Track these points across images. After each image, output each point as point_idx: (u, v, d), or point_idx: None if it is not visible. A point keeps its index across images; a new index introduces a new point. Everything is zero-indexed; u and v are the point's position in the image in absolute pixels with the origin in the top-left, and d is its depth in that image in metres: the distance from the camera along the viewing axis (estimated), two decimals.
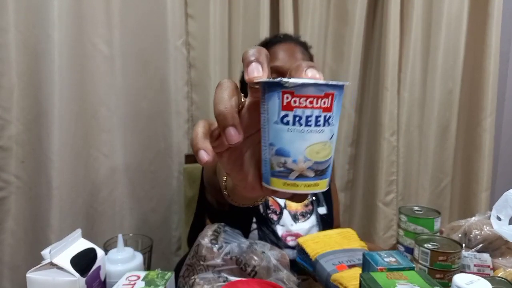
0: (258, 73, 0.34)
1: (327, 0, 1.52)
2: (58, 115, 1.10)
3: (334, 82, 0.32)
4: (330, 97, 0.32)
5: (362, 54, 1.56)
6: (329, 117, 0.32)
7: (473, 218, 0.94)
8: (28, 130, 1.12)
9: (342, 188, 1.65)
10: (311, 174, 0.33)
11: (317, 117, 0.32)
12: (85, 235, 0.70)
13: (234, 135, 0.33)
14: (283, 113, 0.32)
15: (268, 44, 1.00)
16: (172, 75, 1.30)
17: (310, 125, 0.32)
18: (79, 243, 0.67)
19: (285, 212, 0.99)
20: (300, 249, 0.89)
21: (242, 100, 0.38)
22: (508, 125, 1.81)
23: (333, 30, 1.55)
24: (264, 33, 1.38)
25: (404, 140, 1.63)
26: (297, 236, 0.97)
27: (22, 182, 1.14)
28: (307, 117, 0.32)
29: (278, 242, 0.95)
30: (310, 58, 1.03)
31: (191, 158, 1.30)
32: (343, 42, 1.54)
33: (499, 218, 0.91)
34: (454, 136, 1.67)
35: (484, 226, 0.91)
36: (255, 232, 0.94)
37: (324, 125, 0.32)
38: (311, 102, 0.32)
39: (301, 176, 0.33)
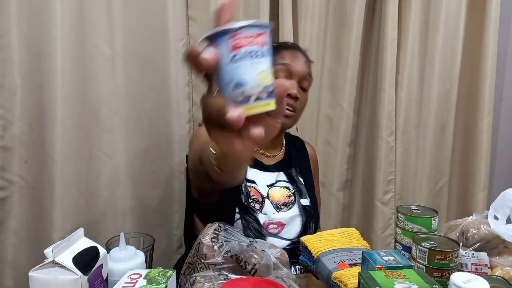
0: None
1: (326, 2, 1.53)
2: (60, 115, 1.11)
3: (262, 23, 0.40)
4: (263, 34, 0.40)
5: (360, 55, 1.58)
6: (266, 50, 0.40)
7: (471, 217, 0.95)
8: (30, 130, 1.13)
9: (340, 187, 1.67)
10: (264, 95, 0.40)
11: (257, 51, 0.39)
12: (87, 234, 0.70)
13: (206, 55, 0.38)
14: (232, 53, 0.39)
15: (278, 47, 1.07)
16: (173, 76, 1.31)
17: (254, 58, 0.39)
18: (81, 242, 0.67)
19: (267, 201, 1.01)
20: (303, 247, 0.90)
21: None
22: (505, 126, 1.82)
23: (332, 32, 1.56)
24: None
25: (402, 140, 1.64)
26: (278, 224, 0.99)
27: (25, 182, 1.15)
28: (251, 52, 0.39)
29: (261, 229, 0.97)
30: (309, 62, 1.11)
31: None
32: (341, 44, 1.55)
33: (496, 217, 0.92)
34: (451, 136, 1.68)
35: (482, 225, 0.91)
36: (239, 222, 0.96)
37: (263, 56, 0.40)
38: (252, 40, 0.39)
39: (257, 99, 0.40)
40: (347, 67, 1.55)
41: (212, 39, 0.39)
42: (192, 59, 0.40)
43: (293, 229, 1.01)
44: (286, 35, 1.40)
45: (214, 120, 0.41)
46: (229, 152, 0.44)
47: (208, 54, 0.38)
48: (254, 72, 0.39)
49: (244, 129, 0.41)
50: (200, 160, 0.76)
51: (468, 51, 1.64)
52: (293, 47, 1.11)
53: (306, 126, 1.53)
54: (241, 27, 0.39)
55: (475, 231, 0.91)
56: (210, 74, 0.41)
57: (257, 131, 0.41)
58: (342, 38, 1.54)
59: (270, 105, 0.41)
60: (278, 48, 1.06)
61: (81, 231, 0.69)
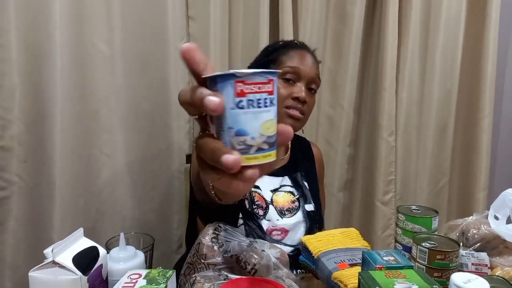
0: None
1: (326, 1, 1.53)
2: (59, 115, 1.11)
3: (271, 71, 0.39)
4: (272, 82, 0.38)
5: (361, 55, 1.58)
6: (273, 98, 0.39)
7: (471, 217, 0.95)
8: (29, 130, 1.13)
9: (340, 187, 1.67)
10: (266, 146, 0.39)
11: (265, 99, 0.38)
12: (87, 234, 0.70)
13: (213, 99, 0.36)
14: (238, 99, 0.37)
15: (286, 46, 1.05)
16: (173, 76, 1.31)
17: (261, 107, 0.38)
18: (81, 242, 0.68)
19: (271, 207, 1.00)
20: (303, 247, 0.90)
21: None
22: (505, 125, 1.82)
23: (332, 31, 1.56)
24: (264, 34, 1.39)
25: (402, 140, 1.64)
26: (282, 230, 0.98)
27: (24, 182, 1.14)
28: (258, 100, 0.38)
29: (264, 236, 0.96)
30: (317, 63, 1.09)
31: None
32: (342, 43, 1.55)
33: (496, 218, 0.92)
34: (452, 136, 1.68)
35: (482, 225, 0.91)
36: (242, 227, 0.95)
37: (270, 105, 0.38)
38: (259, 88, 0.38)
39: (258, 150, 0.38)
40: (347, 67, 1.55)
41: (216, 81, 0.38)
42: (194, 101, 0.37)
43: (296, 235, 1.00)
44: (286, 35, 1.40)
45: (207, 162, 0.39)
46: (224, 191, 0.42)
47: (215, 98, 0.36)
48: (258, 121, 0.38)
49: (238, 171, 0.38)
50: (199, 175, 0.74)
51: (469, 50, 1.64)
52: (302, 47, 1.08)
53: (306, 125, 1.52)
54: (250, 74, 0.37)
55: (475, 231, 0.91)
56: (205, 115, 0.39)
57: (250, 172, 0.38)
58: (342, 37, 1.54)
59: (270, 156, 0.39)
60: (286, 47, 1.05)
61: (80, 231, 0.69)
